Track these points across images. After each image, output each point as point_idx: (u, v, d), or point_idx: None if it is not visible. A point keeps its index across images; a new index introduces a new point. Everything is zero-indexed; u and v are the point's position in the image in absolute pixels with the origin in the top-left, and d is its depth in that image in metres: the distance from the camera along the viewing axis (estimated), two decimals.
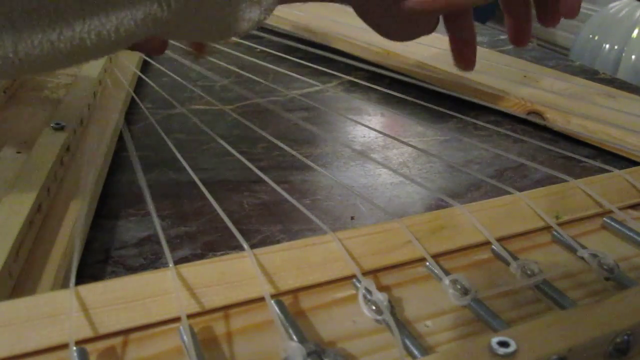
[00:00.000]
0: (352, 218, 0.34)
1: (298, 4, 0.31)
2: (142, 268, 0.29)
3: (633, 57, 1.25)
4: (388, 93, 0.46)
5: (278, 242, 0.31)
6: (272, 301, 0.22)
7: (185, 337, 0.20)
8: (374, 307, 0.21)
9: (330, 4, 0.33)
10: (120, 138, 0.41)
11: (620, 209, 0.29)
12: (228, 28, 0.25)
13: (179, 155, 0.33)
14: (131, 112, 0.47)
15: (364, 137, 0.46)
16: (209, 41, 0.30)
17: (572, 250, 0.26)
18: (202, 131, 0.44)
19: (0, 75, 0.20)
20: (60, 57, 0.20)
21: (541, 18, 0.34)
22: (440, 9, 0.30)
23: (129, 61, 0.53)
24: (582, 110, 0.45)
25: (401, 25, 0.33)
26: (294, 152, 0.34)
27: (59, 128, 0.36)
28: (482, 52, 0.59)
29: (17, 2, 0.19)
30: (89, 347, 0.20)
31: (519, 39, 0.36)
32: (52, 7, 0.19)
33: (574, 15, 0.32)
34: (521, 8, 0.34)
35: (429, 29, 0.34)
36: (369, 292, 0.22)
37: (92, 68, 0.47)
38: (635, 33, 1.27)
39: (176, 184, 0.37)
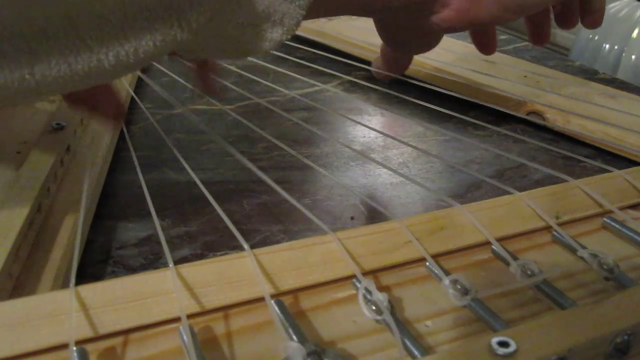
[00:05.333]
0: (352, 218, 0.34)
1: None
2: (142, 268, 0.30)
3: (633, 57, 1.25)
4: (388, 93, 0.46)
5: (278, 242, 0.31)
6: (272, 301, 0.22)
7: (185, 337, 0.20)
8: (374, 307, 0.21)
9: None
10: (121, 138, 0.41)
11: (620, 209, 0.29)
12: (249, 48, 0.25)
13: (179, 156, 0.33)
14: (131, 112, 0.47)
15: (364, 137, 0.46)
16: (229, 59, 0.30)
17: (572, 250, 0.26)
18: (202, 131, 0.44)
19: (18, 97, 0.19)
20: (77, 79, 0.20)
21: (561, 25, 0.38)
22: (465, 26, 0.32)
23: None
24: (582, 110, 0.44)
25: (419, 39, 0.36)
26: (294, 152, 0.34)
27: (59, 128, 0.36)
28: None
29: (34, 25, 0.19)
30: (89, 347, 0.20)
31: (538, 40, 0.39)
32: (70, 30, 0.19)
33: (597, 26, 0.37)
34: (541, 16, 0.37)
35: (432, 46, 0.38)
36: (369, 292, 0.22)
37: None
38: (635, 33, 1.27)
39: (176, 184, 0.37)
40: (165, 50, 0.21)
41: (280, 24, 0.24)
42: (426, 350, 0.20)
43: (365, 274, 0.24)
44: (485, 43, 0.40)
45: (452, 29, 0.32)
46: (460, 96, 0.45)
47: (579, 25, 0.37)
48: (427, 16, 0.32)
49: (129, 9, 0.20)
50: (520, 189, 0.29)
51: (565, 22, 0.37)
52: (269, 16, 0.24)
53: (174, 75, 0.52)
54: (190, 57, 0.28)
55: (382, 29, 0.36)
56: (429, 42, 0.37)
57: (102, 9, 0.19)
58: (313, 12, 0.26)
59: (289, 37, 0.25)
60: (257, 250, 0.23)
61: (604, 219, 0.29)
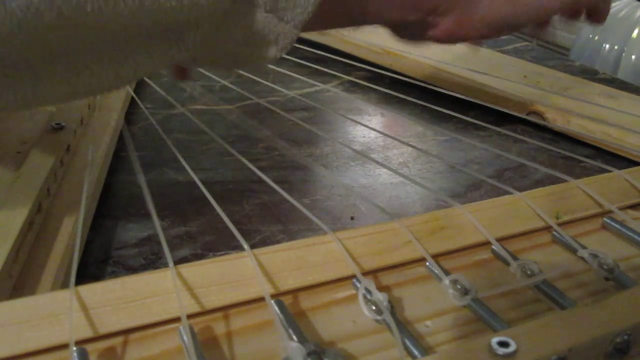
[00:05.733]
0: (352, 218, 0.34)
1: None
2: (142, 268, 0.30)
3: (633, 57, 1.25)
4: (388, 93, 0.46)
5: (278, 242, 0.31)
6: (272, 301, 0.22)
7: (185, 337, 0.20)
8: (374, 307, 0.21)
9: None
10: (120, 138, 0.41)
11: (620, 209, 0.29)
12: (244, 62, 0.26)
13: (179, 156, 0.33)
14: (131, 112, 0.47)
15: (364, 137, 0.46)
16: (222, 71, 0.31)
17: (572, 250, 0.26)
18: (202, 131, 0.44)
19: (19, 110, 0.20)
20: (77, 94, 0.21)
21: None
22: (455, 43, 0.34)
23: None
24: (582, 110, 0.44)
25: (418, 43, 0.37)
26: (294, 152, 0.34)
27: (59, 128, 0.36)
28: (482, 52, 0.59)
29: (37, 50, 0.19)
30: (89, 347, 0.20)
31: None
32: (71, 53, 0.20)
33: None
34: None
35: None
36: (369, 292, 0.22)
37: None
38: (635, 33, 1.27)
39: (176, 184, 0.37)
40: (162, 67, 0.22)
41: (275, 43, 0.25)
42: (426, 350, 0.20)
43: (365, 274, 0.24)
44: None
45: (443, 44, 0.34)
46: (460, 96, 0.45)
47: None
48: (417, 32, 0.33)
49: (130, 32, 0.20)
50: (520, 189, 0.29)
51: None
52: (264, 36, 0.24)
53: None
54: (187, 67, 0.28)
55: (391, 34, 0.37)
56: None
57: (103, 34, 0.20)
58: (307, 28, 0.26)
59: (284, 54, 0.26)
60: (257, 250, 0.23)
61: (604, 219, 0.29)
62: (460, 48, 0.56)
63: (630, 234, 0.28)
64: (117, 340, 0.21)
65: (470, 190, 0.38)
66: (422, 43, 0.37)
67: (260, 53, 0.25)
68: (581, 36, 1.35)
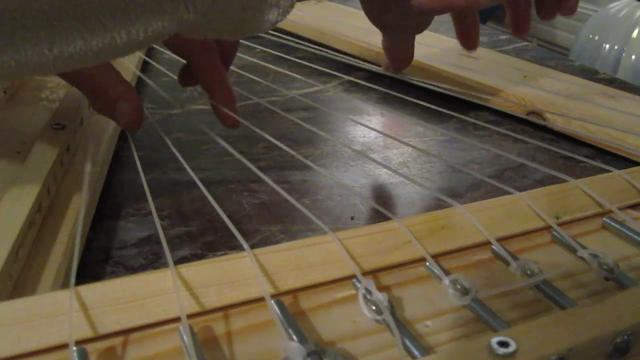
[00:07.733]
0: (352, 218, 0.34)
1: (300, 2, 0.32)
2: (142, 268, 0.30)
3: (633, 57, 1.25)
4: (388, 93, 0.46)
5: (278, 242, 0.31)
6: (272, 301, 0.22)
7: (185, 337, 0.20)
8: (374, 307, 0.21)
9: (332, 3, 0.35)
10: (121, 138, 0.41)
11: (620, 209, 0.29)
12: (247, 28, 0.26)
13: (178, 156, 0.33)
14: None
15: (364, 137, 0.46)
16: (227, 38, 0.31)
17: (572, 250, 0.26)
18: (202, 131, 0.44)
19: (34, 72, 0.21)
20: (91, 54, 0.21)
21: (540, 13, 0.38)
22: (441, 9, 0.33)
23: (129, 61, 0.53)
24: (582, 110, 0.44)
25: (405, 21, 0.37)
26: (294, 152, 0.34)
27: (59, 128, 0.36)
28: (482, 52, 0.59)
29: (54, 3, 0.19)
30: (89, 347, 0.20)
31: (519, 29, 0.40)
32: (86, 7, 0.20)
33: (573, 13, 0.36)
34: (521, 5, 0.38)
35: (423, 27, 0.38)
36: (369, 292, 0.22)
37: None
38: (635, 33, 1.27)
39: (176, 184, 0.37)
40: (172, 29, 0.22)
41: (277, 6, 0.25)
42: (426, 350, 0.20)
43: (365, 274, 0.24)
44: (466, 34, 0.41)
45: (431, 12, 0.34)
46: (460, 96, 0.45)
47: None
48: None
49: None
50: (520, 189, 0.29)
51: (543, 11, 0.38)
52: None
53: (174, 76, 0.52)
54: (192, 36, 0.29)
55: (368, 11, 0.37)
56: (417, 24, 0.38)
57: None
58: None
59: (284, 17, 0.26)
60: (257, 250, 0.23)
61: (604, 219, 0.29)
62: (460, 47, 0.56)
63: (630, 234, 0.28)
64: (117, 340, 0.21)
65: (470, 190, 0.38)
66: (406, 21, 0.37)
67: (262, 17, 0.25)
68: (581, 36, 1.35)
